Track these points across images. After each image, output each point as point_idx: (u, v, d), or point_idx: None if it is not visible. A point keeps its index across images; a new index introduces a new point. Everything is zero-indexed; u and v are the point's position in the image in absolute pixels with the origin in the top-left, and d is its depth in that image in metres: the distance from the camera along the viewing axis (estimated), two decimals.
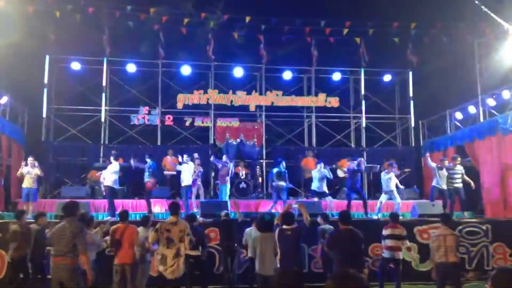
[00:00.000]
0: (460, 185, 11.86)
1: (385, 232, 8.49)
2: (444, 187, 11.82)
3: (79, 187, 14.21)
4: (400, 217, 9.67)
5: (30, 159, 11.53)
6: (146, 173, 11.91)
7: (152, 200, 12.47)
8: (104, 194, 12.10)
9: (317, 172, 12.42)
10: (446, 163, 12.03)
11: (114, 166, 11.51)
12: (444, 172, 11.88)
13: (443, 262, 7.36)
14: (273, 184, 12.45)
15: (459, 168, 11.95)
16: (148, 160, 12.08)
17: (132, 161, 11.98)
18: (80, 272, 5.70)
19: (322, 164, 12.55)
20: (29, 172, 11.39)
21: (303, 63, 17.59)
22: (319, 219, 9.14)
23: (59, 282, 5.60)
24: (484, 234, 10.76)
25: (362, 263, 6.90)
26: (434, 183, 11.97)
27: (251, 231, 8.09)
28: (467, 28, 14.93)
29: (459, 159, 12.17)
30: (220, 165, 12.80)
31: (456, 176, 11.85)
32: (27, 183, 11.34)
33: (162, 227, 6.73)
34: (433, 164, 11.97)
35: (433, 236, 7.75)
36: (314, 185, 12.52)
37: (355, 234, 6.88)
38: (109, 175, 11.42)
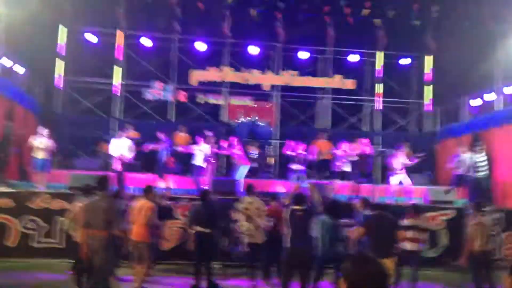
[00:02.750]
0: (482, 174, 11.60)
1: (406, 222, 8.35)
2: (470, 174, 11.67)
3: (92, 160, 14.32)
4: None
5: (46, 131, 11.54)
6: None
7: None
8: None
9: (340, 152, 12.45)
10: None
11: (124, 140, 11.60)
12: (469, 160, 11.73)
13: (484, 250, 7.33)
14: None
15: (482, 156, 11.70)
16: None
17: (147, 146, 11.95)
18: (112, 245, 5.97)
19: (347, 145, 12.50)
20: (43, 143, 11.43)
21: (320, 44, 17.33)
22: (358, 204, 8.85)
23: (93, 252, 5.91)
24: (497, 222, 10.67)
25: (392, 250, 6.92)
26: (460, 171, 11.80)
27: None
28: (489, 14, 14.55)
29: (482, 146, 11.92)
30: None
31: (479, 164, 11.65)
32: (41, 154, 11.40)
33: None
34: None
35: (472, 224, 7.61)
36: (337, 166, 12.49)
37: (389, 219, 6.99)
38: (121, 149, 11.52)
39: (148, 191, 7.56)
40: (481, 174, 11.61)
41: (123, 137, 11.67)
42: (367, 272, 1.86)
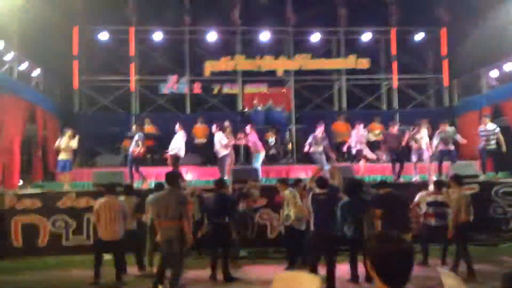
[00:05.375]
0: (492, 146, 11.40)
1: (429, 198, 8.34)
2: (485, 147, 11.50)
3: (113, 157, 14.52)
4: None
5: (69, 132, 11.67)
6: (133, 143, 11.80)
7: (184, 168, 12.74)
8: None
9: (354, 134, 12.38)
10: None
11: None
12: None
13: (468, 221, 7.62)
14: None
15: (491, 128, 11.49)
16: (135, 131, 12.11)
17: None
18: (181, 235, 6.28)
19: (361, 126, 12.41)
20: (67, 144, 11.56)
21: (332, 24, 17.13)
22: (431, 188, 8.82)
23: (167, 241, 6.29)
24: None
25: (408, 225, 6.99)
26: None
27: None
28: None
29: (485, 119, 11.71)
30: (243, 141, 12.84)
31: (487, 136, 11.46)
32: (64, 155, 11.54)
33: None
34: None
35: (456, 197, 7.70)
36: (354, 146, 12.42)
37: (398, 197, 7.06)
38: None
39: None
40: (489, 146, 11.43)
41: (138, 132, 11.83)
42: (392, 250, 1.87)
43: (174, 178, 6.73)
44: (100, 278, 7.34)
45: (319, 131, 11.84)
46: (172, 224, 6.26)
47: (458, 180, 7.96)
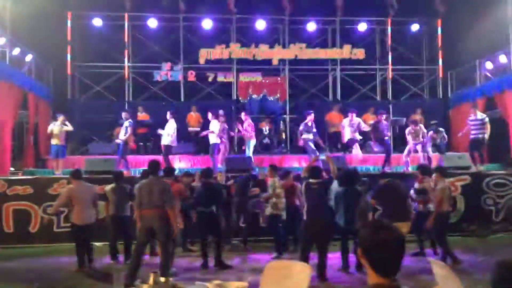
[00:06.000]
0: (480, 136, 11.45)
1: (416, 185, 8.41)
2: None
3: (106, 144, 14.44)
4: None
5: (61, 117, 11.66)
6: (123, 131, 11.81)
7: (177, 156, 12.75)
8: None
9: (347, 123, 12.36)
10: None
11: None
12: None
13: (448, 212, 8.01)
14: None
15: (480, 117, 11.53)
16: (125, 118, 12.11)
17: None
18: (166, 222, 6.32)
19: (354, 114, 12.40)
20: (59, 129, 11.54)
21: (328, 14, 17.03)
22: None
23: (149, 230, 6.33)
24: None
25: (407, 215, 7.07)
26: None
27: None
28: None
29: (475, 109, 11.76)
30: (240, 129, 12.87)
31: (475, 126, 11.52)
32: (56, 141, 11.54)
33: None
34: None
35: (440, 188, 7.83)
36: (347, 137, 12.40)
37: (398, 187, 7.16)
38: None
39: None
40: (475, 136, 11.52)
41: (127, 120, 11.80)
42: (383, 239, 1.86)
43: (156, 166, 6.66)
44: (85, 265, 7.41)
45: (309, 119, 11.96)
46: (154, 212, 6.25)
47: (442, 171, 8.20)
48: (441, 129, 12.51)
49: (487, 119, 11.46)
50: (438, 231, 7.73)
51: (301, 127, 12.03)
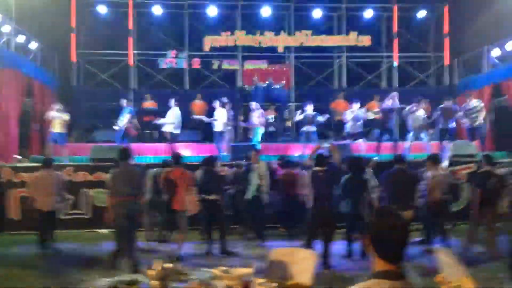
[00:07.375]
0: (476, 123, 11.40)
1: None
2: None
3: (111, 131, 14.43)
4: None
5: (60, 105, 11.70)
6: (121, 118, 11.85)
7: (182, 144, 12.73)
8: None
9: (351, 113, 12.27)
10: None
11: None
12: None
13: (441, 200, 7.84)
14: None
15: (474, 104, 11.44)
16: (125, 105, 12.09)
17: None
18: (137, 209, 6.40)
19: (358, 104, 12.31)
20: (58, 116, 11.56)
21: (334, 0, 16.90)
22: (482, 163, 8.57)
23: (123, 217, 6.27)
24: None
25: (412, 203, 7.03)
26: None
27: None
28: None
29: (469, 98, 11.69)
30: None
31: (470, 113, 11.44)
32: (57, 128, 11.57)
33: None
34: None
35: (432, 176, 7.83)
36: (348, 126, 12.35)
37: (406, 173, 7.15)
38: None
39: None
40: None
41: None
42: (389, 224, 1.87)
43: (126, 153, 6.62)
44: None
45: (309, 108, 12.03)
46: (127, 200, 6.25)
47: (434, 159, 8.15)
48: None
49: (481, 105, 11.42)
50: (433, 218, 7.78)
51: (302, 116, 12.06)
